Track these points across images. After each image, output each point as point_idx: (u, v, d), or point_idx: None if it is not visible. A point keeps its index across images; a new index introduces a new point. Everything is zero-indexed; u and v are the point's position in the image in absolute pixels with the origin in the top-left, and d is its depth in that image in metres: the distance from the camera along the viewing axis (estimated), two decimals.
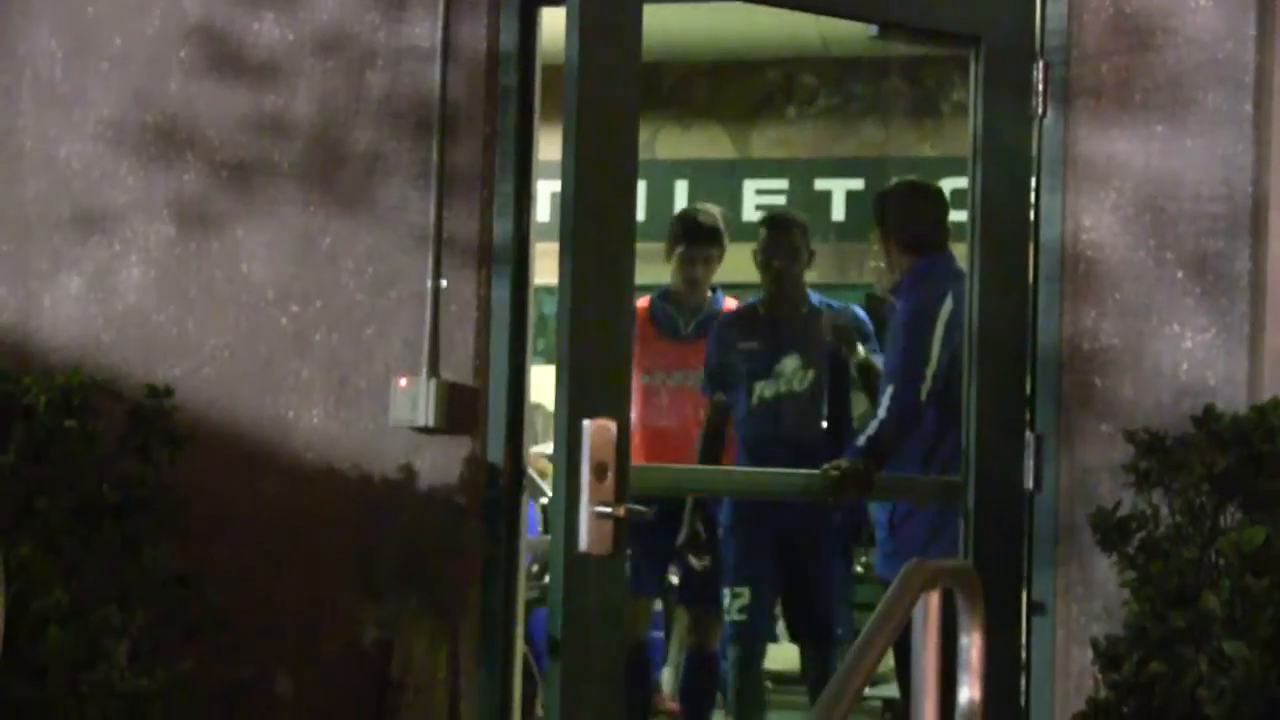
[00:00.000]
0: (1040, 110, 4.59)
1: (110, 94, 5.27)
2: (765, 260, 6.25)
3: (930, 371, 5.30)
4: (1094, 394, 4.59)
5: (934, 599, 3.08)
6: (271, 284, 5.09)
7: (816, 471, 4.89)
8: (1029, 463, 4.52)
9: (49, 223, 5.26)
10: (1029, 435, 4.54)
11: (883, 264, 5.65)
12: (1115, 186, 4.63)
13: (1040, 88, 4.58)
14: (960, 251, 5.02)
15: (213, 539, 4.90)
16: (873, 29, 4.49)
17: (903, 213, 5.57)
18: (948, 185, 8.15)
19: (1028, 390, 4.58)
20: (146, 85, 5.25)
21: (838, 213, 9.19)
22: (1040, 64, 4.58)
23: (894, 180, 6.08)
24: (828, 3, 4.40)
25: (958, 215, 5.11)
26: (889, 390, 5.33)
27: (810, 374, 6.16)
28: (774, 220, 6.59)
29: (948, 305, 5.30)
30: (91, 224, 5.22)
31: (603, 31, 3.95)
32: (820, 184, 9.32)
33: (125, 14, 5.29)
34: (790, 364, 6.16)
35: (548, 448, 6.29)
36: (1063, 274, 4.64)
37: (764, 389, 6.16)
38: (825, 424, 6.24)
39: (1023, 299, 4.55)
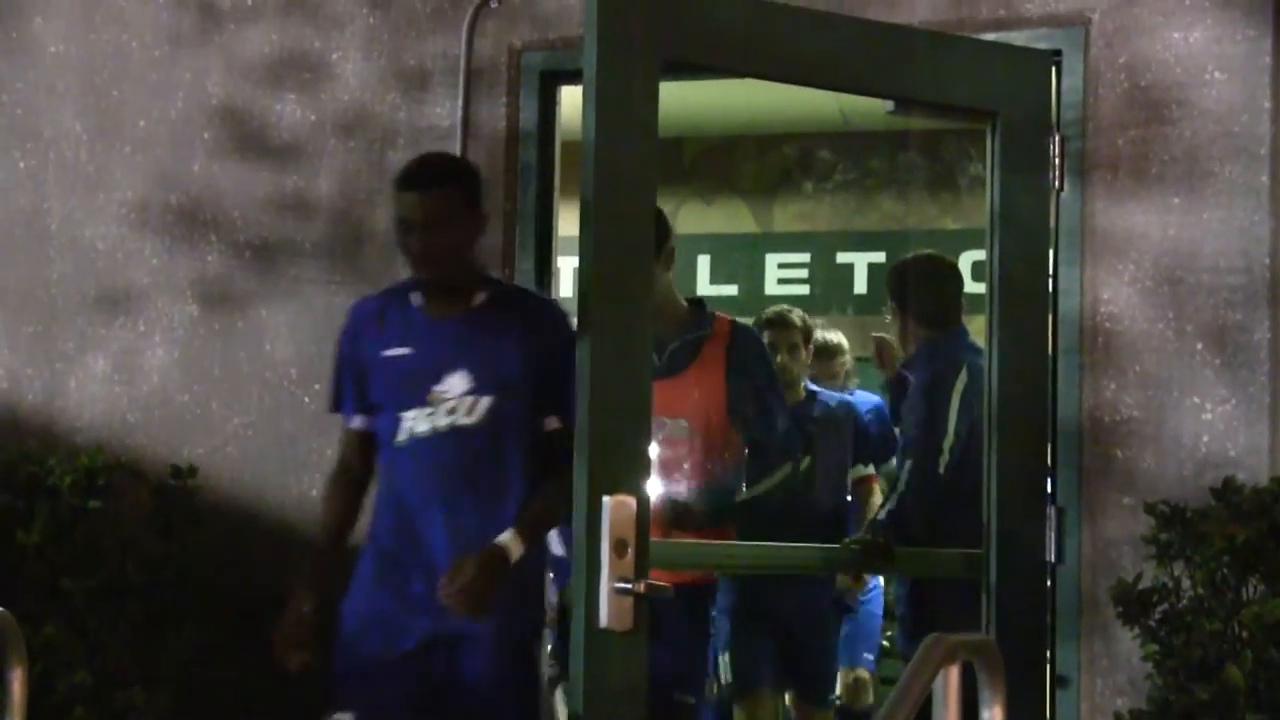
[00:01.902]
0: (1057, 183, 4.61)
1: (134, 176, 5.32)
2: (401, 235, 4.07)
3: (948, 444, 5.29)
4: (1115, 466, 4.59)
5: (954, 673, 3.07)
6: (294, 363, 5.12)
7: (837, 545, 4.89)
8: (1050, 535, 4.51)
9: (74, 304, 5.30)
10: (1050, 508, 4.53)
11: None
12: (1133, 259, 4.65)
13: (1057, 161, 4.59)
14: (978, 324, 5.02)
15: (236, 618, 4.90)
16: (889, 104, 4.51)
17: (917, 287, 5.57)
18: (968, 258, 8.18)
19: (1048, 462, 4.58)
20: (170, 167, 5.30)
21: (860, 285, 9.20)
22: (1057, 138, 4.60)
23: (909, 254, 6.08)
24: (845, 79, 4.42)
25: (977, 288, 5.12)
26: (907, 464, 5.33)
27: (485, 401, 4.04)
28: (405, 178, 4.09)
29: (963, 378, 5.29)
30: (116, 305, 5.27)
31: (620, 109, 3.97)
32: (842, 257, 9.34)
33: (149, 97, 5.35)
34: (457, 384, 4.07)
35: None
36: (1082, 346, 4.65)
37: (417, 421, 4.05)
38: (510, 478, 4.08)
39: (1042, 371, 4.55)
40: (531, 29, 5.08)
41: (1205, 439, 4.54)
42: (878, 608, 7.14)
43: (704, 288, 9.54)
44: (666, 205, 4.16)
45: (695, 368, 4.90)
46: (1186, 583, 4.20)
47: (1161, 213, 4.64)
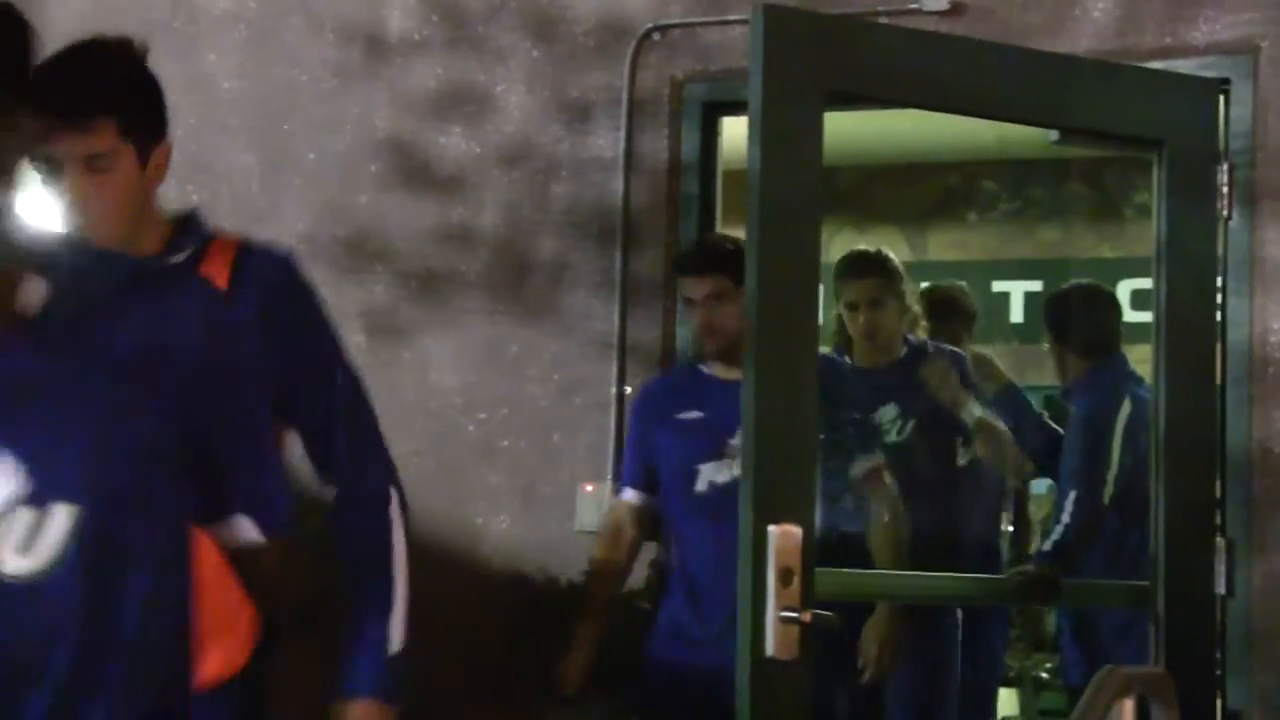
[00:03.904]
0: (1226, 212, 4.56)
1: (303, 208, 5.42)
2: None
3: (1112, 475, 5.25)
4: None
5: (1128, 706, 3.06)
6: (459, 391, 5.18)
7: (1001, 576, 4.86)
8: (1220, 567, 4.45)
9: None
10: (1220, 540, 4.48)
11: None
12: None
13: (1225, 190, 4.54)
14: (1138, 353, 4.98)
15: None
16: (1054, 135, 4.49)
17: (1075, 316, 5.55)
18: (1127, 286, 8.09)
19: (1218, 494, 4.52)
20: (338, 199, 5.39)
21: (1016, 314, 9.14)
22: (1225, 166, 4.55)
23: (1066, 284, 6.04)
24: (1009, 109, 4.41)
25: (1142, 317, 5.08)
26: (1072, 495, 5.29)
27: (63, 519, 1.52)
28: None
29: (1126, 408, 5.25)
30: None
31: (785, 140, 3.99)
32: (998, 285, 9.29)
33: (318, 130, 5.45)
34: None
35: None
36: (1251, 376, 4.59)
37: None
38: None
39: (1211, 402, 4.50)
40: (693, 60, 5.12)
41: None
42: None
43: None
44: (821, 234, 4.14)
45: None
46: None
47: None
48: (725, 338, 4.53)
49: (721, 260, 4.57)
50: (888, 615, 4.79)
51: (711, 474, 4.53)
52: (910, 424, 5.06)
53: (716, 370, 4.59)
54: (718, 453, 4.51)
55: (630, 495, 4.67)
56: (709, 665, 4.37)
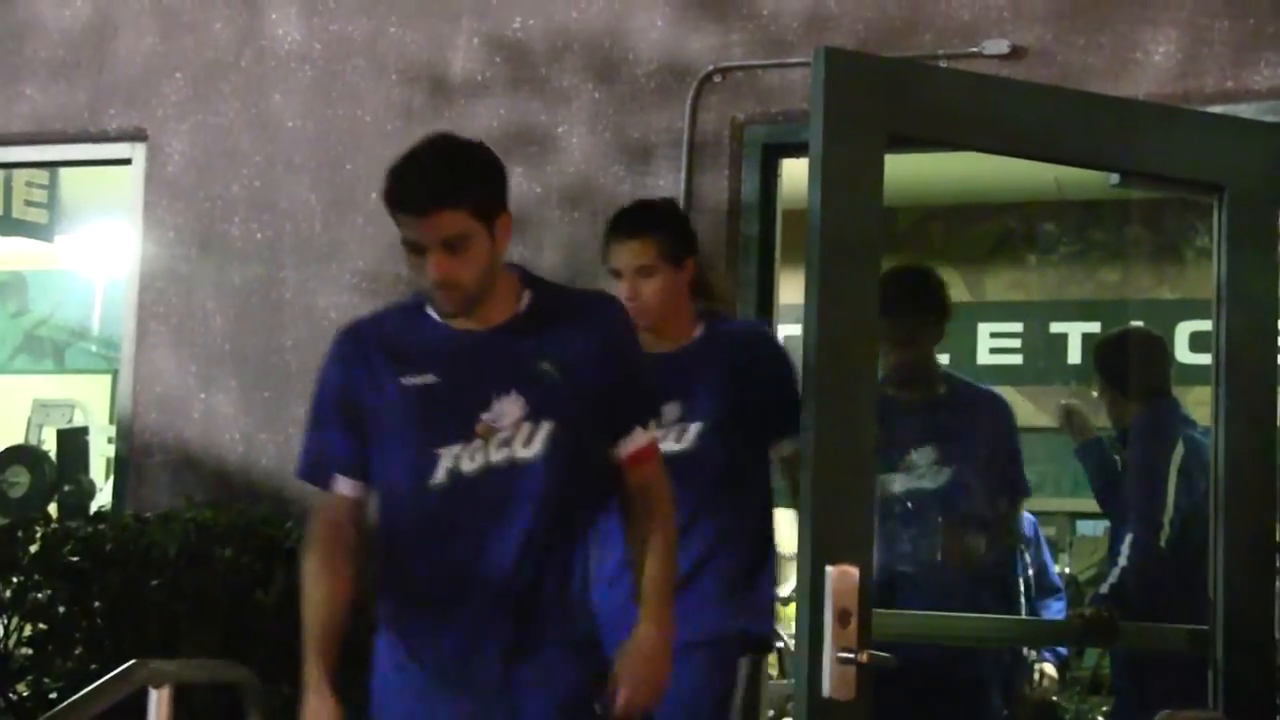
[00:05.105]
0: None
1: (366, 246, 5.47)
2: None
3: (1168, 518, 5.24)
4: None
5: None
6: None
7: (1060, 620, 4.85)
8: None
9: (307, 371, 5.44)
10: None
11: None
12: None
13: None
14: (1195, 395, 4.96)
15: None
16: (1113, 178, 4.50)
17: (1124, 361, 5.55)
18: (1185, 328, 8.08)
19: (1277, 538, 4.50)
20: (400, 238, 5.43)
21: (1074, 356, 9.13)
22: None
23: (1113, 329, 6.03)
24: (1069, 153, 4.42)
25: (1196, 359, 5.07)
26: (1129, 538, 5.28)
27: None
28: None
29: (1179, 451, 5.25)
30: None
31: (845, 182, 4.01)
32: (1056, 327, 9.28)
33: (381, 169, 5.46)
34: None
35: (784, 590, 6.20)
36: None
37: None
38: None
39: (1270, 444, 4.48)
40: (754, 102, 5.15)
41: None
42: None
43: None
44: None
45: None
46: None
47: None
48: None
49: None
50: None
51: (456, 460, 3.25)
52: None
53: (454, 320, 3.31)
54: (464, 432, 3.25)
55: (344, 485, 3.33)
56: None
